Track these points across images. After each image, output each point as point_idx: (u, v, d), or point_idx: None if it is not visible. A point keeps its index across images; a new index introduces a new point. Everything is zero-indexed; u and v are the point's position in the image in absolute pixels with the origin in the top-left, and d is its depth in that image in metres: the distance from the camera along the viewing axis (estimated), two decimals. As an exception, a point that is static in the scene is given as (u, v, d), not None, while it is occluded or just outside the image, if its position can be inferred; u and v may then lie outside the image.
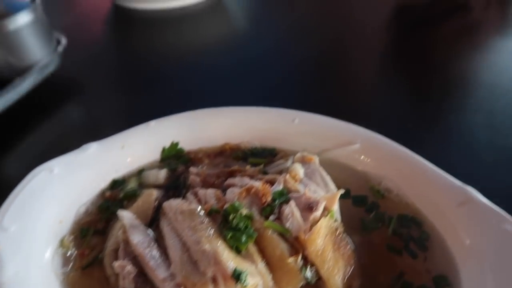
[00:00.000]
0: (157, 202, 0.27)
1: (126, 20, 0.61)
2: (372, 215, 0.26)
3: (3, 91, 0.39)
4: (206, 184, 0.28)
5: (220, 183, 0.28)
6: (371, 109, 0.41)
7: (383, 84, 0.45)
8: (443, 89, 0.43)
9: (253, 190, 0.25)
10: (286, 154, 0.30)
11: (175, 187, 0.29)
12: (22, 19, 0.40)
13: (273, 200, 0.24)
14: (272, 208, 0.24)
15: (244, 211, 0.23)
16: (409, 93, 0.44)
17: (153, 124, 0.31)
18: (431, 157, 0.34)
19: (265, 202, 0.24)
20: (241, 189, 0.25)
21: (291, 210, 0.24)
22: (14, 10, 0.41)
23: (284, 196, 0.24)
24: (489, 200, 0.25)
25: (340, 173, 0.29)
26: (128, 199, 0.28)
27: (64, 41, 0.46)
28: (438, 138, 0.37)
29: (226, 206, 0.24)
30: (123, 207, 0.28)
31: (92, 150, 0.30)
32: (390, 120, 0.39)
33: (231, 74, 0.47)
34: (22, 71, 0.41)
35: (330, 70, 0.48)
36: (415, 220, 0.26)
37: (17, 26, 0.40)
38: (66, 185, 0.28)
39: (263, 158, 0.30)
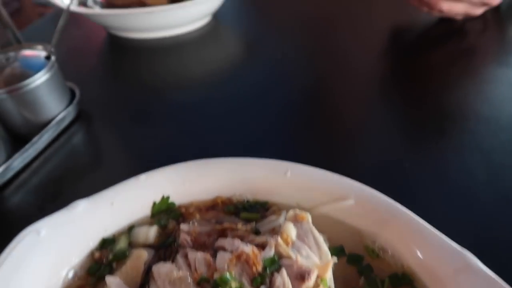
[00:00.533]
0: (146, 265, 0.27)
1: (118, 50, 0.61)
2: (364, 280, 0.25)
3: (22, 150, 0.39)
4: (197, 243, 0.28)
5: (211, 243, 0.27)
6: (365, 153, 0.41)
7: (378, 121, 0.45)
8: (439, 125, 0.43)
9: (243, 257, 0.24)
10: (279, 209, 0.29)
11: (165, 246, 0.28)
12: (40, 79, 0.41)
13: (264, 268, 0.24)
14: (262, 278, 0.23)
15: (234, 284, 0.22)
16: (405, 132, 0.43)
17: (143, 178, 0.31)
18: (428, 203, 0.34)
19: (255, 271, 0.23)
20: (231, 255, 0.24)
21: (283, 280, 0.23)
22: (30, 67, 0.41)
23: (276, 264, 0.24)
24: (490, 250, 0.25)
25: (334, 229, 0.28)
26: (118, 261, 0.28)
27: (78, 92, 0.46)
28: (435, 180, 0.36)
29: (215, 276, 0.23)
30: (112, 269, 0.27)
31: (80, 208, 0.29)
32: (385, 163, 0.38)
33: (222, 111, 0.47)
34: (40, 127, 0.41)
35: (321, 109, 0.47)
36: (407, 278, 0.25)
37: (35, 86, 0.40)
38: (53, 248, 0.27)
39: (255, 212, 0.30)
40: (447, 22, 0.63)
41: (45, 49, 0.43)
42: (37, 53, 0.43)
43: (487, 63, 0.55)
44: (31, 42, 0.44)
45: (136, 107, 0.49)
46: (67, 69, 0.48)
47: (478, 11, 0.59)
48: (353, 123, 0.44)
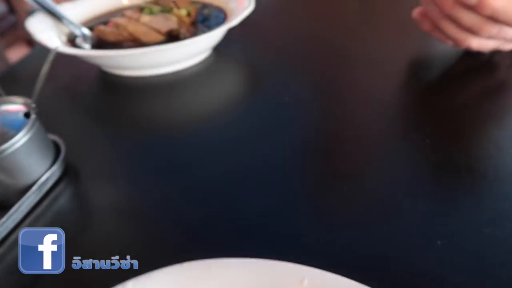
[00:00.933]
0: None
1: (112, 89, 0.56)
2: None
3: (5, 217, 0.35)
4: None
5: None
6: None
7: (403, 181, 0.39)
8: (468, 183, 0.37)
9: None
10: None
11: None
12: (19, 142, 0.36)
13: None
14: None
15: None
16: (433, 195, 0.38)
17: (129, 286, 0.26)
18: None
19: None
20: None
21: None
22: (9, 126, 0.36)
23: None
24: None
25: None
26: None
27: (63, 147, 0.41)
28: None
29: None
30: None
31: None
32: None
33: (222, 169, 0.41)
34: (20, 193, 0.37)
35: (335, 160, 0.42)
36: None
37: (13, 150, 0.36)
38: None
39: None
40: (473, 56, 0.57)
41: (25, 104, 0.38)
42: (17, 108, 0.38)
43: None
44: (13, 94, 0.39)
45: (131, 159, 0.44)
46: (52, 117, 0.43)
47: (510, 46, 0.54)
48: (373, 182, 0.39)
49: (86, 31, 0.56)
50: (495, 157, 0.40)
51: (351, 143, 0.44)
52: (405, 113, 0.48)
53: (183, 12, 0.58)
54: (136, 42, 0.54)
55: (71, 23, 0.55)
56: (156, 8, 0.57)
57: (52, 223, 0.38)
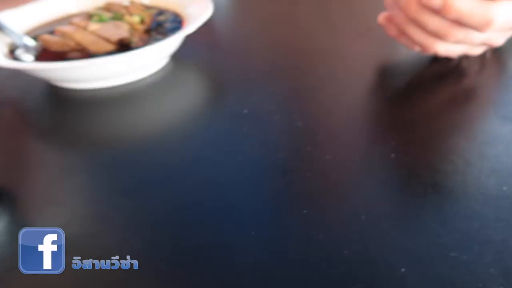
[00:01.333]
0: None
1: (58, 103, 0.51)
2: None
3: None
4: None
5: None
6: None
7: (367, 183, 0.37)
8: (434, 201, 0.35)
9: None
10: None
11: None
12: None
13: None
14: None
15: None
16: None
17: None
18: None
19: None
20: None
21: None
22: None
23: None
24: None
25: None
26: None
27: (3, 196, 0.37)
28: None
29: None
30: None
31: None
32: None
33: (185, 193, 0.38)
34: None
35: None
36: None
37: None
38: None
39: None
40: (441, 61, 0.55)
41: None
42: None
43: (484, 109, 0.47)
44: None
45: (74, 182, 0.40)
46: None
47: (478, 51, 0.52)
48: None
49: (28, 40, 0.52)
50: (462, 172, 0.38)
51: (312, 160, 0.41)
52: (370, 126, 0.45)
53: (135, 19, 0.54)
54: (84, 52, 0.50)
55: (12, 32, 0.51)
56: (106, 15, 0.53)
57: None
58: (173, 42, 0.50)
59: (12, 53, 0.50)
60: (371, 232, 0.33)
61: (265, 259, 0.32)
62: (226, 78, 0.55)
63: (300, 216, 0.35)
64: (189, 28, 0.49)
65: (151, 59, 0.50)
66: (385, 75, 0.56)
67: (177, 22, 0.56)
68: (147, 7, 0.59)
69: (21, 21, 0.56)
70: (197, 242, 0.33)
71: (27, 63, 0.48)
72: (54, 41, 0.50)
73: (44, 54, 0.50)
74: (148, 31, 0.55)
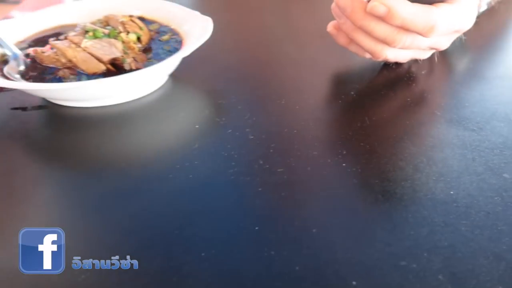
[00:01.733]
0: None
1: (52, 121, 0.48)
2: None
3: None
4: None
5: None
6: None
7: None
8: (384, 209, 0.35)
9: None
10: None
11: None
12: None
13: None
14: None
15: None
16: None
17: None
18: None
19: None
20: None
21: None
22: None
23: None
24: None
25: None
26: None
27: None
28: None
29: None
30: None
31: None
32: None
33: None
34: None
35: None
36: None
37: None
38: None
39: None
40: (392, 67, 0.56)
41: None
42: None
43: (432, 113, 0.48)
44: None
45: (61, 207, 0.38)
46: None
47: (426, 55, 0.53)
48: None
49: (19, 53, 0.49)
50: (411, 178, 0.38)
51: (264, 174, 0.40)
52: (322, 136, 0.45)
53: (132, 37, 0.50)
54: (74, 70, 0.48)
55: (3, 43, 0.48)
56: (101, 32, 0.51)
57: None
58: (166, 66, 0.46)
59: (3, 63, 0.48)
60: (322, 245, 0.33)
61: (216, 281, 0.31)
62: (224, 98, 0.53)
63: (251, 233, 0.34)
64: (186, 50, 0.47)
65: (144, 81, 0.48)
66: (337, 83, 0.56)
67: (177, 41, 0.54)
68: (151, 21, 0.57)
69: (15, 32, 0.53)
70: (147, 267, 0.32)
71: (14, 81, 0.45)
72: (46, 56, 0.48)
73: (34, 66, 0.48)
74: (146, 50, 0.52)
